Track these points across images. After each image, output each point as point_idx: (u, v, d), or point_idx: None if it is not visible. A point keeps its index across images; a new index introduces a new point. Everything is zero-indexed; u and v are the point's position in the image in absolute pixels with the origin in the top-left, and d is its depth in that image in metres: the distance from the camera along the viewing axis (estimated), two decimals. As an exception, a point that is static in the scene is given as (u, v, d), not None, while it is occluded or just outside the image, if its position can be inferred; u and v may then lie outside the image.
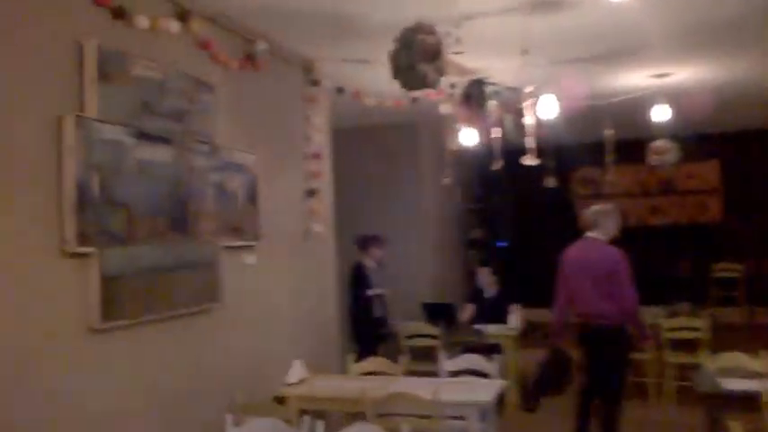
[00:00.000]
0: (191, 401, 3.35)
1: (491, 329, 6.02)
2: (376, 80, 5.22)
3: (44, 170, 2.58)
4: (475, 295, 6.66)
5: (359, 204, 7.54)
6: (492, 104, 3.85)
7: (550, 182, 6.05)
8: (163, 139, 3.21)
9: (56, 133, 2.63)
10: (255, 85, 4.16)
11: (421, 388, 3.66)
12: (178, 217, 3.30)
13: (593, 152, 7.38)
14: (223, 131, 3.72)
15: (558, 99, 4.38)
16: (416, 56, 2.83)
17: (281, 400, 3.82)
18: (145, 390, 3.04)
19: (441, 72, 2.91)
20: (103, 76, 2.84)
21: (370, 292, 6.03)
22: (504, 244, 9.93)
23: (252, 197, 3.98)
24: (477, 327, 6.06)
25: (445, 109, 3.60)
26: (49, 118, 2.61)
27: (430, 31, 2.89)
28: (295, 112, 4.69)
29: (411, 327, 6.38)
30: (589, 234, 4.75)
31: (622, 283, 4.46)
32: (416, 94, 5.23)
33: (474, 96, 3.80)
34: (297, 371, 4.22)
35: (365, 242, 6.18)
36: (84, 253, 2.71)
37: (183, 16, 3.41)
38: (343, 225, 7.10)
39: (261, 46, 4.11)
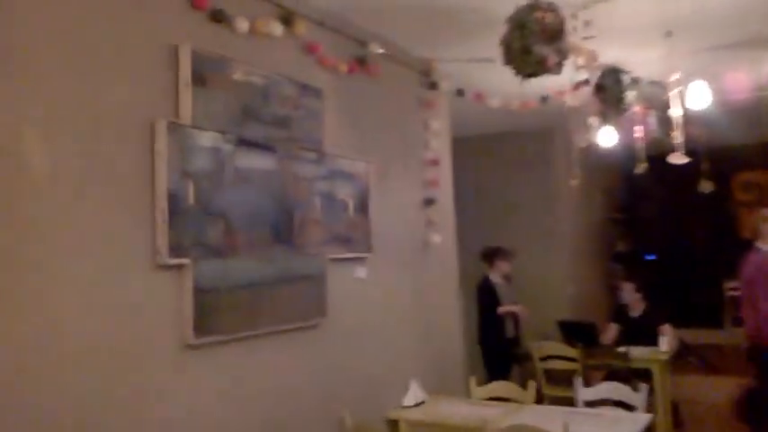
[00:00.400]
0: (294, 423, 3.15)
1: (638, 352, 5.40)
2: (501, 81, 4.86)
3: (136, 178, 2.49)
4: (619, 313, 6.04)
5: (484, 216, 7.14)
6: (631, 96, 3.36)
7: (706, 186, 5.37)
8: (265, 147, 3.06)
9: (148, 140, 2.53)
10: (368, 89, 3.95)
11: (551, 419, 3.24)
12: (282, 228, 3.13)
13: (759, 153, 6.52)
14: (332, 138, 3.53)
15: (713, 90, 3.79)
16: (533, 36, 2.46)
17: (394, 424, 3.55)
18: (244, 410, 2.88)
19: (563, 55, 2.52)
20: (199, 80, 2.72)
21: (501, 310, 5.61)
22: (653, 257, 9.07)
23: (363, 207, 3.76)
24: (621, 349, 5.45)
25: (573, 101, 3.17)
26: (141, 124, 2.51)
27: (549, 8, 2.51)
28: (411, 116, 4.44)
29: (546, 347, 5.89)
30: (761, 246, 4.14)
31: None
32: (546, 94, 4.83)
33: (609, 87, 3.33)
34: (414, 393, 3.94)
35: (491, 255, 5.78)
36: (177, 265, 2.59)
37: (286, 19, 3.26)
38: (468, 237, 6.77)
39: (373, 48, 3.90)
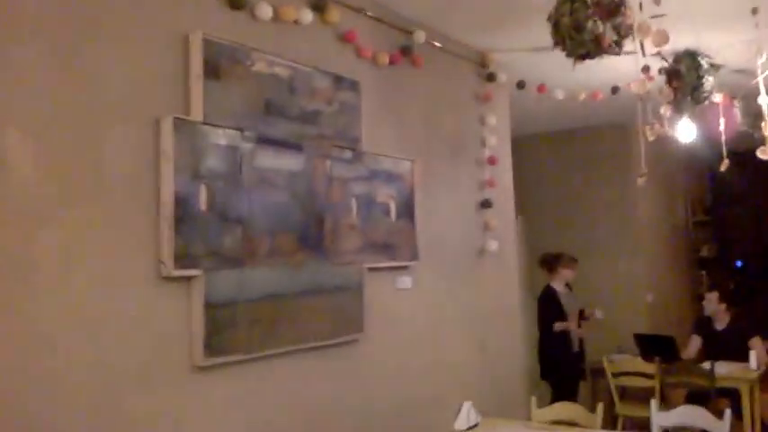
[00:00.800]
0: (326, 451, 2.86)
1: (724, 369, 4.86)
2: (567, 71, 4.43)
3: (139, 181, 2.25)
4: (702, 326, 5.47)
5: (554, 220, 6.68)
6: (710, 84, 2.90)
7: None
8: (291, 145, 2.79)
9: (153, 138, 2.29)
10: (413, 82, 3.62)
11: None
12: (310, 234, 2.84)
13: None
14: (371, 135, 3.22)
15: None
16: (586, 11, 2.08)
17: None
18: (266, 438, 2.60)
19: (622, 33, 2.12)
20: (213, 72, 2.47)
21: (557, 327, 5.13)
22: (741, 263, 8.30)
23: (408, 210, 3.43)
24: (704, 365, 4.91)
25: (639, 88, 2.73)
26: (145, 121, 2.28)
27: (605, -22, 2.12)
28: (465, 111, 4.07)
29: (620, 362, 5.40)
30: None
31: None
32: (617, 85, 4.36)
33: (684, 73, 2.88)
34: (466, 415, 3.57)
35: (552, 261, 5.32)
36: (185, 277, 2.33)
37: (317, 5, 2.98)
38: (535, 243, 6.32)
39: (418, 37, 3.56)
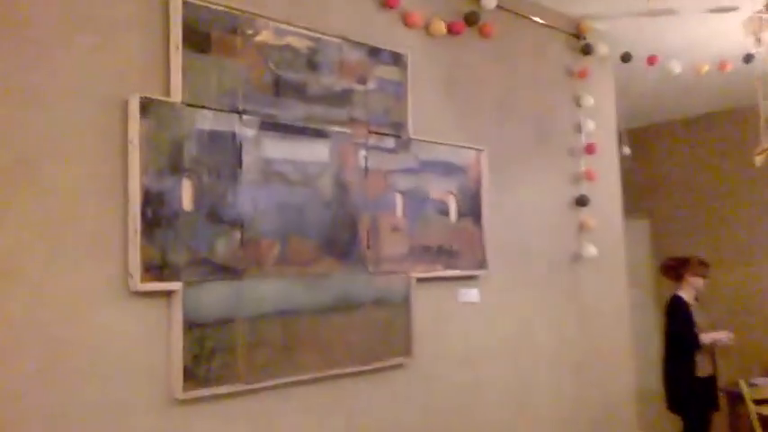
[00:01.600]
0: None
1: None
2: (684, 40, 3.66)
3: (106, 175, 1.86)
4: None
5: (681, 221, 5.74)
6: None
7: None
8: (312, 132, 2.31)
9: (119, 124, 1.90)
10: (482, 56, 3.04)
11: None
12: (339, 238, 2.35)
13: None
14: (422, 119, 2.69)
15: None
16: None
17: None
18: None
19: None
20: (199, 44, 2.05)
21: (705, 338, 4.24)
22: None
23: (473, 208, 2.85)
24: None
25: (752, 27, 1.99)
26: (111, 102, 1.89)
27: None
28: (554, 91, 3.41)
29: (764, 388, 4.47)
30: None
31: None
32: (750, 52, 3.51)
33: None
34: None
35: (678, 267, 4.43)
36: (158, 291, 1.92)
37: (350, -36, 2.50)
38: (661, 248, 5.45)
39: (488, 2, 2.98)
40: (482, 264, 2.86)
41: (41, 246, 1.75)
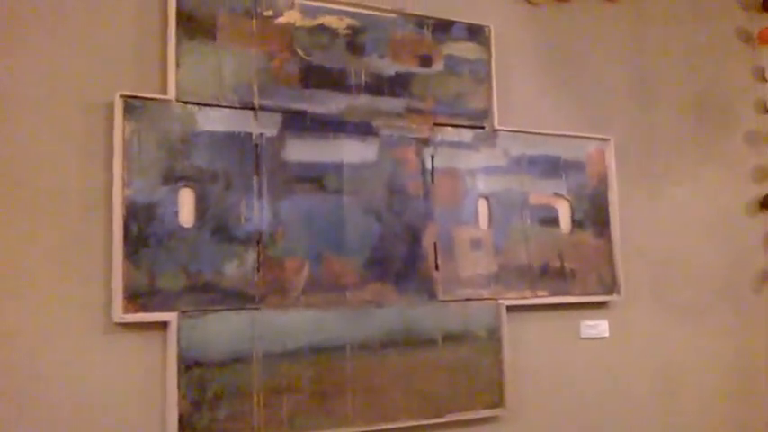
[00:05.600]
0: None
1: None
2: None
3: (90, 188, 1.62)
4: None
5: None
6: None
7: None
8: (354, 128, 1.90)
9: (104, 126, 1.65)
10: (604, 22, 2.40)
11: None
12: (393, 256, 1.89)
13: None
14: (513, 106, 2.15)
15: None
16: None
17: None
18: None
19: None
20: (200, 30, 1.75)
21: None
22: None
23: (597, 216, 2.21)
24: None
25: None
26: (95, 102, 1.65)
27: None
28: (723, 60, 2.63)
29: None
30: None
31: None
32: None
33: None
34: None
35: None
36: (147, 323, 1.61)
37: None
38: None
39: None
40: (612, 288, 2.20)
41: (7, 267, 1.53)
